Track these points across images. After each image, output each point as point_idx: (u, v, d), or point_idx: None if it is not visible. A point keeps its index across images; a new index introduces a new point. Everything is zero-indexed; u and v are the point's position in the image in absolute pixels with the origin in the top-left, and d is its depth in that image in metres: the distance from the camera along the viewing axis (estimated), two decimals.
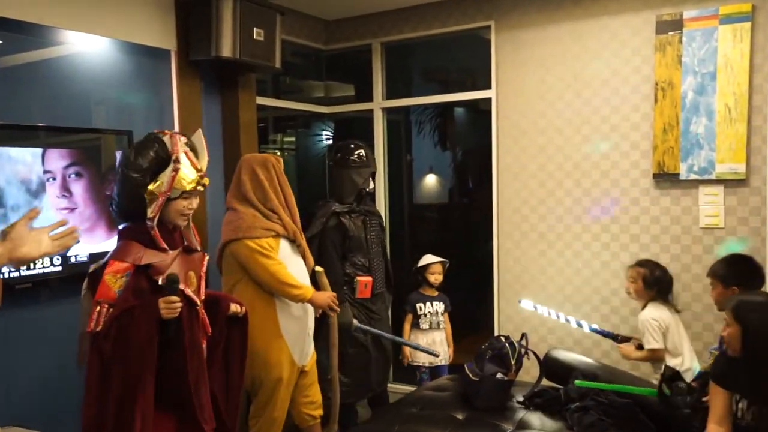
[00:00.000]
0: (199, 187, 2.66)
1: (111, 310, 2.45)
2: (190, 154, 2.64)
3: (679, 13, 3.93)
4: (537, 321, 4.39)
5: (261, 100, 4.49)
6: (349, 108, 5.33)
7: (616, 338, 3.82)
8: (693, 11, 3.90)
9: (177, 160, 2.55)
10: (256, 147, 4.32)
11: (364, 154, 4.22)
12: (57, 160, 3.24)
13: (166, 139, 2.59)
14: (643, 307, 3.66)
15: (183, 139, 2.64)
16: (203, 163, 2.70)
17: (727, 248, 3.85)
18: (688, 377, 3.36)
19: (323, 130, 5.73)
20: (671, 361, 3.51)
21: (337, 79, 5.42)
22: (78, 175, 3.30)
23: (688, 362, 3.59)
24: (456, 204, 6.30)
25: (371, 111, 5.19)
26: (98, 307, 2.43)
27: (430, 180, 6.19)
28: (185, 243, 2.73)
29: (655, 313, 3.56)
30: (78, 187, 3.29)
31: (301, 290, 3.39)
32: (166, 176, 2.53)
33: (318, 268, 3.57)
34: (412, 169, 6.07)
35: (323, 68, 5.36)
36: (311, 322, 3.64)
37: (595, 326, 3.92)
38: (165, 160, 2.55)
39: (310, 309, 3.59)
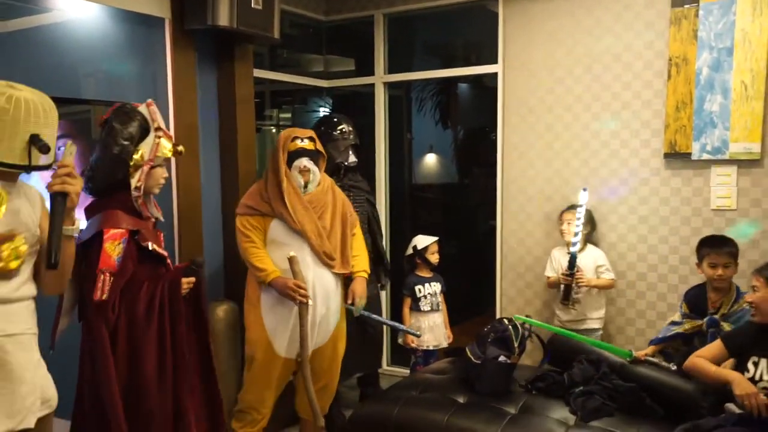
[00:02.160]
0: (175, 154, 2.83)
1: (113, 278, 2.57)
2: (164, 127, 2.78)
3: None
4: (540, 304, 4.42)
5: (258, 73, 4.47)
6: (350, 82, 5.34)
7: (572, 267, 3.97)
8: None
9: (159, 128, 2.70)
10: (253, 121, 4.30)
11: (346, 129, 4.24)
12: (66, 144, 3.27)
13: (142, 109, 2.71)
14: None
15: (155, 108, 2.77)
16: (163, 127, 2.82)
17: (738, 231, 3.87)
18: None
19: (321, 106, 5.72)
20: None
21: (337, 53, 5.41)
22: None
23: None
24: (457, 184, 6.30)
25: (372, 86, 5.18)
26: (102, 276, 2.54)
27: (430, 159, 6.19)
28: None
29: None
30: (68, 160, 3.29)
31: (263, 273, 3.37)
32: (147, 145, 2.67)
33: (291, 254, 3.41)
34: (412, 148, 6.08)
35: (323, 40, 5.34)
36: (320, 315, 3.55)
37: (576, 254, 3.99)
38: (146, 129, 2.70)
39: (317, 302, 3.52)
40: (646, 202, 4.18)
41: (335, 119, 4.34)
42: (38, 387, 2.26)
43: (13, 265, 2.10)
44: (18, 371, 2.17)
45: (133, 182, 2.65)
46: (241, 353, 3.71)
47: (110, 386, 2.59)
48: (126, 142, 2.64)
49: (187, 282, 2.76)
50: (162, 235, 2.95)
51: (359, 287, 3.68)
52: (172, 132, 3.72)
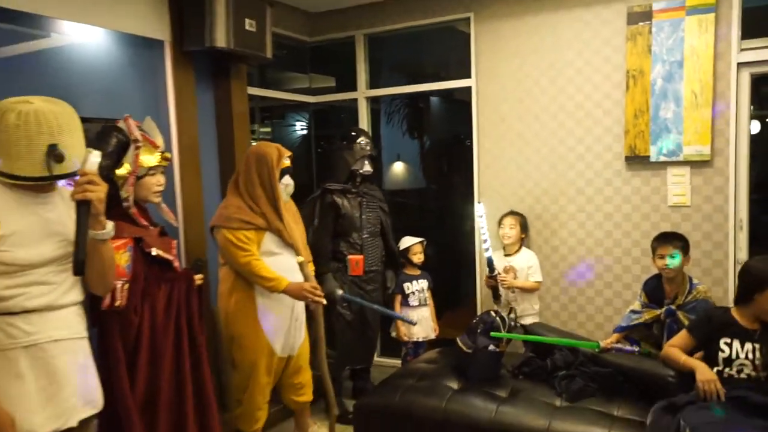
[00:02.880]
0: (163, 162, 2.77)
1: (128, 285, 2.55)
2: (148, 134, 2.75)
3: (648, 5, 3.95)
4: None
5: (251, 90, 4.44)
6: (335, 97, 5.29)
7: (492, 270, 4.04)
8: (662, 3, 3.91)
9: (137, 140, 2.66)
10: (248, 134, 4.28)
11: (363, 141, 4.21)
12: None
13: (121, 124, 2.69)
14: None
15: (136, 123, 2.75)
16: (160, 142, 2.81)
17: None
18: None
19: (298, 120, 5.68)
20: None
21: (320, 71, 5.36)
22: None
23: None
24: (425, 188, 6.24)
25: (350, 100, 5.15)
26: (119, 284, 2.52)
27: (398, 167, 6.13)
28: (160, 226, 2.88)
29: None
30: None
31: (273, 282, 3.25)
32: (129, 158, 2.65)
33: (299, 259, 3.40)
34: (381, 157, 6.02)
35: (307, 60, 5.29)
36: (300, 313, 3.52)
37: (491, 257, 4.03)
38: (126, 143, 2.66)
39: (298, 302, 3.47)
40: (610, 201, 4.19)
41: (354, 132, 4.28)
42: (82, 389, 2.25)
43: None
44: (63, 374, 2.16)
45: (123, 194, 2.64)
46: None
47: (122, 385, 2.59)
48: (105, 162, 2.54)
49: (198, 278, 2.83)
50: (174, 242, 2.93)
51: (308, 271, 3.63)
52: (174, 145, 3.66)
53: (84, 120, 3.23)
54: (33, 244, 2.11)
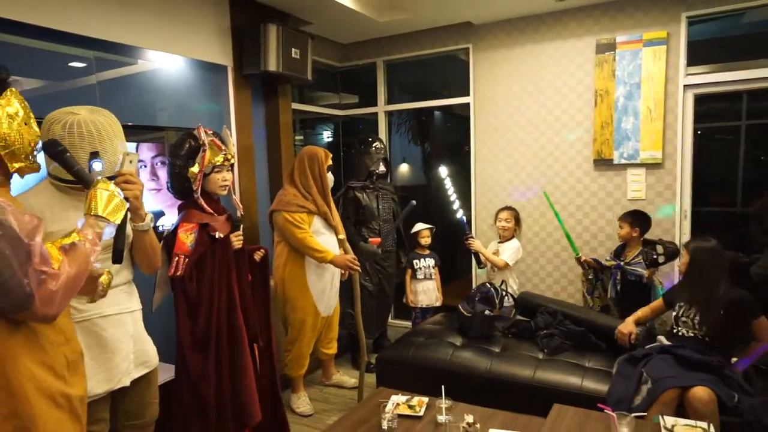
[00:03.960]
0: (226, 162, 2.67)
1: (187, 259, 2.51)
2: (216, 140, 2.65)
3: (613, 38, 4.01)
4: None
5: (293, 105, 4.41)
6: (358, 111, 5.28)
7: (467, 234, 3.97)
8: (623, 36, 3.98)
9: (204, 144, 2.60)
10: (291, 142, 4.27)
11: (378, 146, 4.23)
12: (147, 151, 3.21)
13: (195, 133, 2.63)
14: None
15: (209, 131, 2.66)
16: (230, 148, 2.72)
17: (664, 211, 4.02)
18: None
19: (325, 130, 5.68)
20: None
21: (347, 90, 5.35)
22: (162, 163, 3.28)
23: None
24: (428, 185, 6.28)
25: (374, 114, 5.17)
26: (176, 258, 2.49)
27: (404, 168, 6.19)
28: (227, 213, 2.76)
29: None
30: (162, 173, 3.26)
31: (322, 253, 3.34)
32: (198, 158, 2.60)
33: (341, 236, 3.50)
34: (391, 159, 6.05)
35: (338, 81, 5.29)
36: (336, 282, 3.60)
37: (463, 218, 3.98)
38: (197, 148, 2.60)
39: (336, 272, 3.56)
40: (581, 195, 4.26)
41: (371, 139, 4.28)
42: (133, 354, 2.17)
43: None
44: (112, 344, 2.09)
45: (194, 188, 2.62)
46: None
47: (184, 335, 2.58)
48: (180, 162, 2.59)
49: (235, 237, 2.68)
50: (241, 226, 2.82)
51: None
52: (234, 150, 3.69)
53: (163, 129, 3.36)
54: None
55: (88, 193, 1.64)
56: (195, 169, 2.60)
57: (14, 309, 1.34)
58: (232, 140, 2.80)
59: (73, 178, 1.76)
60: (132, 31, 3.13)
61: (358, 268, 3.45)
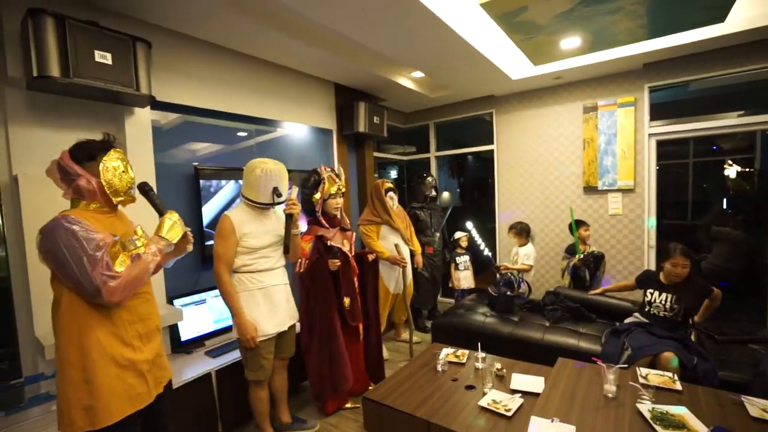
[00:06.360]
0: (338, 191, 2.57)
1: (307, 261, 2.48)
2: (333, 175, 2.58)
3: (595, 103, 3.91)
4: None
5: (375, 154, 4.50)
6: (417, 156, 5.25)
7: (495, 265, 3.82)
8: (603, 101, 3.86)
9: (322, 178, 2.54)
10: (374, 179, 4.31)
11: (430, 179, 4.22)
12: (292, 187, 3.33)
13: (319, 169, 2.58)
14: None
15: (328, 168, 2.59)
16: (342, 180, 2.64)
17: (649, 222, 3.79)
18: None
19: (392, 170, 5.72)
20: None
21: (408, 143, 5.35)
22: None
23: None
24: (462, 207, 6.21)
25: (427, 158, 5.13)
26: (300, 260, 2.47)
27: (446, 194, 6.16)
28: (341, 225, 2.69)
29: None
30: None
31: (380, 252, 3.28)
32: (319, 188, 2.54)
33: (396, 242, 3.39)
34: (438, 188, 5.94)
35: (402, 136, 5.31)
36: (402, 271, 3.50)
37: (489, 255, 3.88)
38: (319, 181, 2.55)
39: (399, 268, 3.43)
40: (575, 212, 4.10)
41: (425, 174, 4.23)
42: (288, 310, 2.26)
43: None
44: (279, 303, 2.20)
45: (316, 209, 2.55)
46: None
47: (302, 317, 2.48)
48: (307, 191, 2.54)
49: (332, 262, 2.44)
50: (350, 234, 2.69)
51: (418, 257, 3.68)
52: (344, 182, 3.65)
53: (293, 171, 3.46)
54: (260, 237, 2.13)
55: (160, 219, 1.56)
56: (317, 196, 2.54)
57: (92, 296, 1.34)
58: (343, 175, 2.72)
59: (154, 208, 1.61)
60: (275, 110, 3.26)
61: (402, 262, 3.33)
